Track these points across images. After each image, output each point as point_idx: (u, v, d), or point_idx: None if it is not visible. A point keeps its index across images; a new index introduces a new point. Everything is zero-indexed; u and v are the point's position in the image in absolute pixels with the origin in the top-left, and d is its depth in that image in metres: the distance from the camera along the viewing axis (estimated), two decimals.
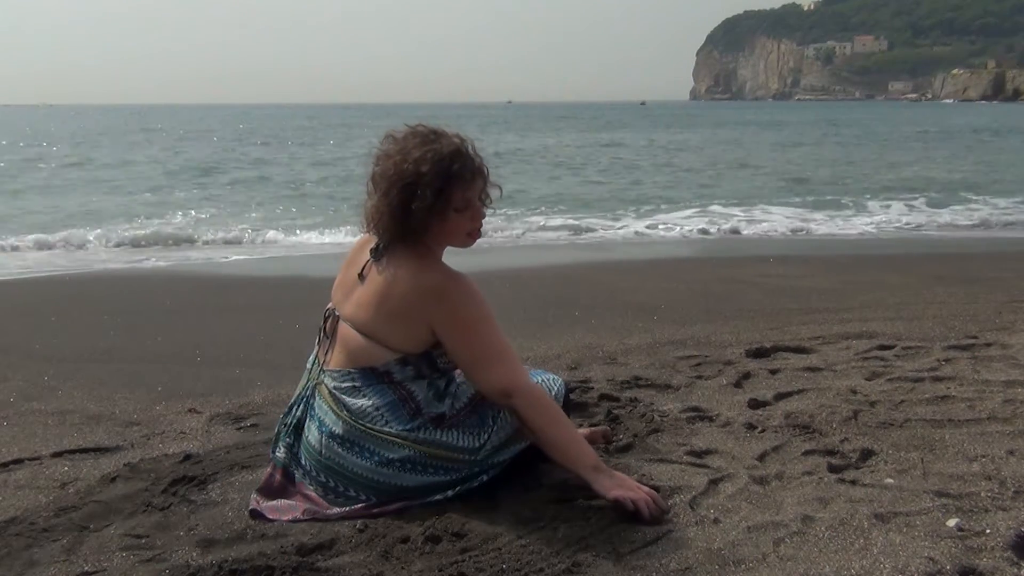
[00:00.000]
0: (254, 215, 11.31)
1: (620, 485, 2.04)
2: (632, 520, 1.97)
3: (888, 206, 11.81)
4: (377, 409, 2.10)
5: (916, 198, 12.55)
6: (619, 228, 10.05)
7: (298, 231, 9.36)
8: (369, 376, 2.12)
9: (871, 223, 10.16)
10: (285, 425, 2.26)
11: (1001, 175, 16.72)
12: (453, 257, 2.19)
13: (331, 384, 2.17)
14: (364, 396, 2.11)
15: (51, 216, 11.16)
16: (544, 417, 2.09)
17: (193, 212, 11.52)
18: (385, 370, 2.12)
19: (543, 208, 11.72)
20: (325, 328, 2.24)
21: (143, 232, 9.00)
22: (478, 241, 2.20)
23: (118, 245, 8.55)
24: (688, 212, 11.49)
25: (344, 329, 2.18)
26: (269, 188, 15.50)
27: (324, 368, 2.21)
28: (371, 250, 2.18)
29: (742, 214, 11.06)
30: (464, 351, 2.10)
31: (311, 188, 15.50)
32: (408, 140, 2.09)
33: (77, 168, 19.81)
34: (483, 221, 2.18)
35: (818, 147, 27.66)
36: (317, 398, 2.20)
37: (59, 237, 8.67)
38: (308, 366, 2.30)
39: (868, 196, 12.96)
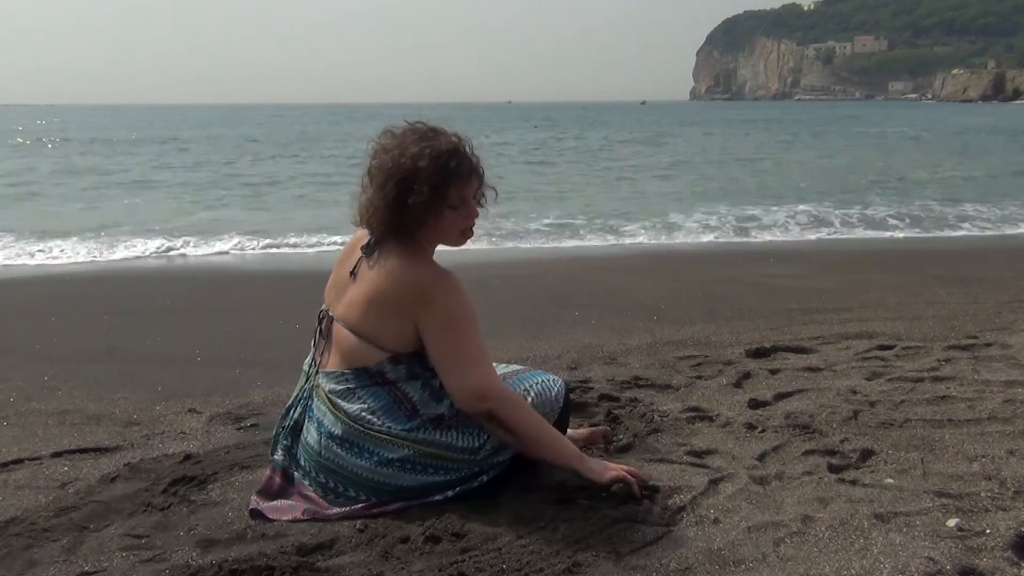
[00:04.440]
0: None
1: (609, 468, 2.10)
2: (628, 500, 2.03)
3: None
4: (373, 412, 2.09)
5: None
6: None
7: None
8: (363, 377, 2.12)
9: None
10: (283, 428, 2.26)
11: None
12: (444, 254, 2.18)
13: (327, 387, 2.16)
14: (359, 399, 2.11)
15: None
16: (525, 418, 2.10)
17: None
18: (378, 370, 2.11)
19: None
20: (320, 329, 2.24)
21: None
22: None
23: None
24: None
25: (337, 329, 2.17)
26: None
27: (320, 370, 2.21)
28: (362, 247, 2.18)
29: None
30: (444, 350, 2.08)
31: None
32: (406, 136, 2.10)
33: None
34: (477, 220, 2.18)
35: None
36: (315, 399, 2.20)
37: None
38: (305, 368, 2.30)
39: None
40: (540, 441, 2.11)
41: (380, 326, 2.09)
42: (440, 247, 2.20)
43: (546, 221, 10.04)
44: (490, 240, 8.48)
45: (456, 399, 2.09)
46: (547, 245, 8.61)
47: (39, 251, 8.03)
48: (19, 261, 7.62)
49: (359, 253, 2.18)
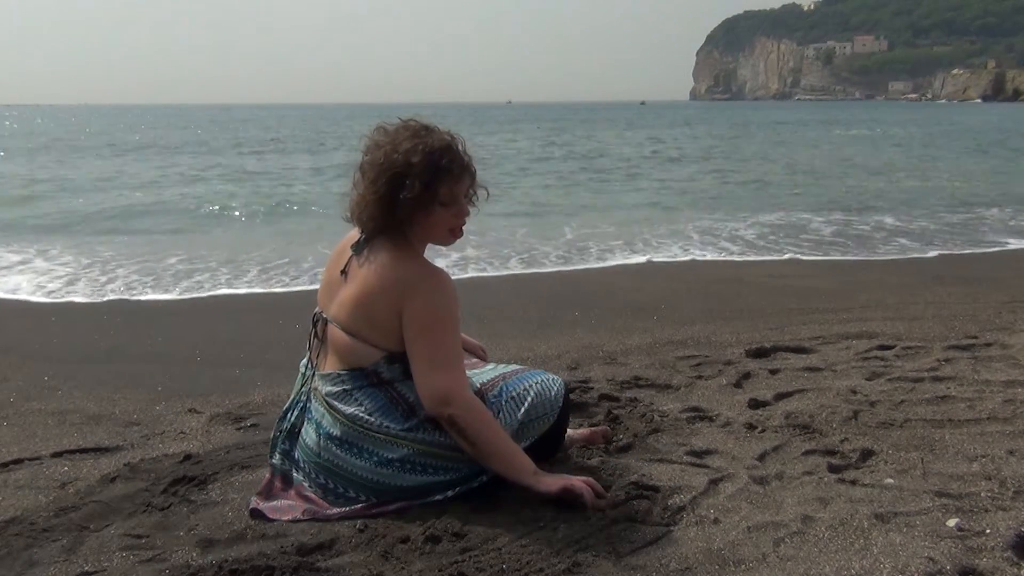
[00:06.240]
0: None
1: (561, 478, 2.06)
2: (579, 507, 2.00)
3: None
4: (371, 414, 2.09)
5: None
6: None
7: None
8: (358, 377, 2.11)
9: None
10: (280, 431, 2.26)
11: None
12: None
13: (324, 389, 2.16)
14: (356, 401, 2.11)
15: None
16: (486, 428, 2.07)
17: None
18: (373, 369, 2.11)
19: None
20: (316, 331, 2.24)
21: None
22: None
23: None
24: None
25: (331, 330, 2.17)
26: None
27: (317, 372, 2.21)
28: (352, 245, 2.18)
29: None
30: (418, 348, 2.06)
31: None
32: (399, 132, 2.10)
33: None
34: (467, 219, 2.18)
35: None
36: (313, 401, 2.19)
37: None
38: (301, 370, 2.30)
39: None
40: (496, 454, 2.07)
41: (372, 323, 2.09)
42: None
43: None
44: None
45: (421, 398, 2.07)
46: (543, 245, 8.49)
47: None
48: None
49: (349, 252, 2.18)
